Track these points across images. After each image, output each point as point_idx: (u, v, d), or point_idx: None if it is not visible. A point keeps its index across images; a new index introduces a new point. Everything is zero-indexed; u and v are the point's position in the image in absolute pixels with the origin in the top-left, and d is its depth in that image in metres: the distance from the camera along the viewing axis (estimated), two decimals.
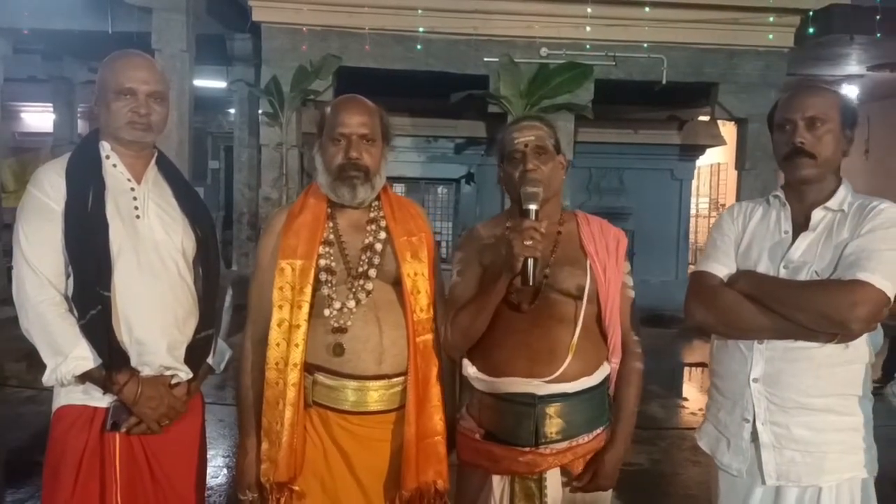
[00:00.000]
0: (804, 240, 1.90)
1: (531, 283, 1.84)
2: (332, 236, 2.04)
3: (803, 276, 1.86)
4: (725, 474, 1.99)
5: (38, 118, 15.09)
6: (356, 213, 2.08)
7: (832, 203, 1.91)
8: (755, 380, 1.90)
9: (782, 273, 1.89)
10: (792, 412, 1.87)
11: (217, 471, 4.09)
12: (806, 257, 1.88)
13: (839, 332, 1.81)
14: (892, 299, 1.80)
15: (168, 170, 2.16)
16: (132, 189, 2.05)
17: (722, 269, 1.98)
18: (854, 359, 1.87)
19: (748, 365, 1.91)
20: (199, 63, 7.48)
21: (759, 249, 1.95)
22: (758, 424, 1.90)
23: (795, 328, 1.82)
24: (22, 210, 1.97)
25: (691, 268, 12.12)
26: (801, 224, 1.93)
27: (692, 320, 2.00)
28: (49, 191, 1.95)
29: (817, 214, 1.91)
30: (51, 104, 11.67)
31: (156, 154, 2.14)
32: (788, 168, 1.94)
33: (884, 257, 1.77)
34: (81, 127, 12.06)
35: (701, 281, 1.99)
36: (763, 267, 1.92)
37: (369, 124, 2.03)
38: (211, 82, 10.84)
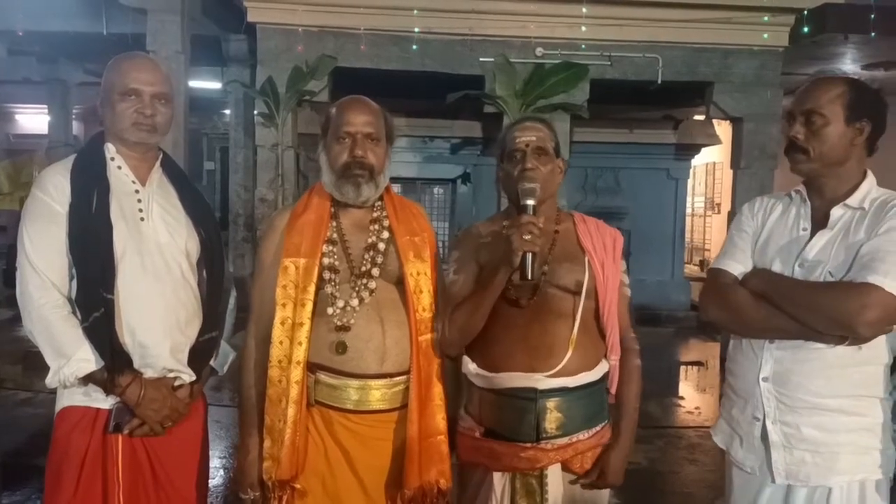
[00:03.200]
0: (821, 238, 1.85)
1: (530, 278, 1.85)
2: (335, 235, 2.05)
3: (817, 276, 1.81)
4: (739, 470, 1.98)
5: (32, 120, 15.02)
6: (359, 212, 2.09)
7: (852, 200, 1.84)
8: (764, 379, 1.88)
9: (797, 272, 1.85)
10: (802, 412, 1.83)
11: (214, 472, 4.08)
12: (821, 256, 1.83)
13: (847, 336, 1.76)
14: None
15: (173, 172, 2.16)
16: (136, 191, 2.05)
17: (737, 266, 1.95)
18: (869, 360, 1.82)
19: (758, 364, 1.89)
20: (194, 64, 7.45)
21: (776, 247, 1.91)
22: (767, 423, 1.87)
23: (805, 329, 1.78)
24: (26, 212, 1.97)
25: (687, 267, 12.19)
26: (820, 221, 1.88)
27: (706, 317, 2.02)
28: (53, 193, 1.95)
29: (836, 212, 1.85)
30: (46, 106, 11.60)
31: (160, 156, 2.14)
32: (789, 162, 1.91)
33: None
34: (76, 129, 12.03)
35: (716, 278, 1.97)
36: (778, 265, 1.88)
37: (374, 124, 2.04)
38: (206, 83, 10.79)
